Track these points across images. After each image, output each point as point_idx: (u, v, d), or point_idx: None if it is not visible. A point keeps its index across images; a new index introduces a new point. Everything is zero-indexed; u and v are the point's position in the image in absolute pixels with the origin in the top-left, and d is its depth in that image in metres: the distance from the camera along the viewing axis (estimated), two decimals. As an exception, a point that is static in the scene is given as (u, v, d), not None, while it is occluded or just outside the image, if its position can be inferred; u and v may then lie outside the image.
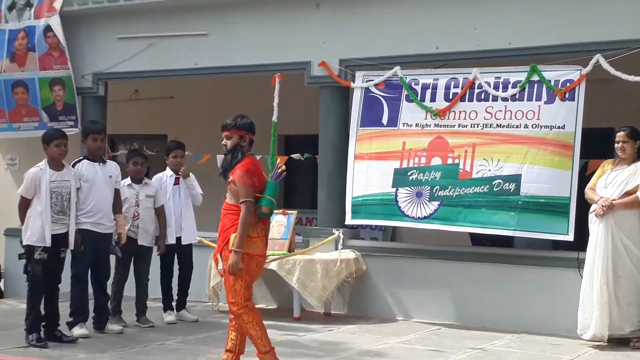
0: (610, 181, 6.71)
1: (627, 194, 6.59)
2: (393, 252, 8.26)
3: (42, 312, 6.74)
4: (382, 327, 7.58)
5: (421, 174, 7.71)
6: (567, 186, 7.08)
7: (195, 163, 9.38)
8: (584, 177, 7.29)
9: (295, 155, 9.10)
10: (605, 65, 7.02)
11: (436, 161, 7.69)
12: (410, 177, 7.77)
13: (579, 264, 7.00)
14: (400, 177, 7.83)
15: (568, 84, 7.20)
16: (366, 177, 8.04)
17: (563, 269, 7.27)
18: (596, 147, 9.12)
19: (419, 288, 8.00)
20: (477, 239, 8.86)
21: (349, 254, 8.15)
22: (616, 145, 6.80)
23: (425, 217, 7.65)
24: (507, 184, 7.28)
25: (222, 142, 5.58)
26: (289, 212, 8.49)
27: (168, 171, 7.91)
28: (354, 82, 8.32)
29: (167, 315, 7.79)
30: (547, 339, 6.96)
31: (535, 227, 7.19)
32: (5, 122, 10.10)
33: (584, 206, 7.06)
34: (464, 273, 7.83)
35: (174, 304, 7.90)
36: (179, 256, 7.90)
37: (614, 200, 6.59)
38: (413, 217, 7.70)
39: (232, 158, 5.52)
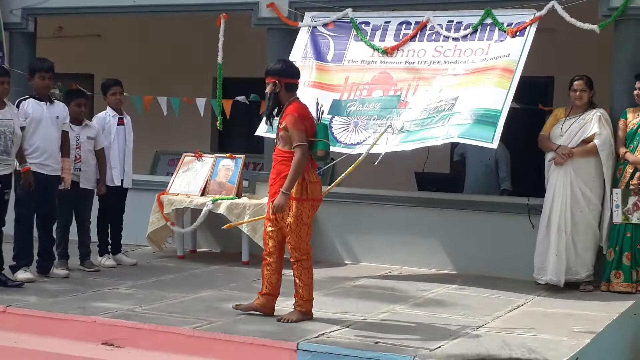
0: (566, 130, 6.86)
1: (584, 142, 6.76)
2: (340, 196, 8.21)
3: (-15, 255, 6.44)
4: (333, 271, 7.58)
5: (361, 105, 7.47)
6: (500, 102, 6.80)
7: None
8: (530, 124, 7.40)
9: (240, 98, 8.91)
10: (560, 11, 7.02)
11: (377, 94, 7.47)
12: (349, 108, 7.52)
13: (529, 210, 7.17)
14: (338, 108, 7.57)
15: (520, 25, 7.14)
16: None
17: (512, 214, 7.43)
18: (536, 94, 9.34)
19: (367, 233, 8.04)
20: (423, 184, 8.96)
21: (297, 199, 8.08)
22: (573, 93, 6.93)
23: (358, 143, 7.30)
24: (445, 104, 7.04)
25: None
26: (237, 156, 8.35)
27: (110, 111, 7.62)
28: (301, 22, 8.14)
29: (105, 259, 7.57)
30: (497, 283, 7.10)
31: (461, 134, 6.81)
32: None
33: (530, 156, 7.19)
34: (411, 218, 7.89)
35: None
36: (116, 199, 7.66)
37: (573, 148, 6.74)
38: (345, 143, 7.36)
39: (269, 104, 5.64)
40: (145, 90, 9.68)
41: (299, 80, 5.82)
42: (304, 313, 5.61)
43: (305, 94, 7.67)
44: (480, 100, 6.87)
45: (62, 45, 11.52)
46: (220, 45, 8.43)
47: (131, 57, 11.46)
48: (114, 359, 5.24)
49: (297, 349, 5.00)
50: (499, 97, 6.83)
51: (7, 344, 5.48)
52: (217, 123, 8.70)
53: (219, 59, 8.44)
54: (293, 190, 5.46)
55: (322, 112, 5.87)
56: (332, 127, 7.46)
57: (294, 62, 7.80)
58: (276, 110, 5.67)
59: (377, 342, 5.06)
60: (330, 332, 5.32)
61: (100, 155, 7.34)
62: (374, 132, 7.28)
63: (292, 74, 5.70)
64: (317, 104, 5.91)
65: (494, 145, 6.73)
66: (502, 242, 7.47)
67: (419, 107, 7.19)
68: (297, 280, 5.63)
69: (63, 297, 6.20)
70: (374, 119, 7.36)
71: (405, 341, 5.10)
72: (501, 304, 6.34)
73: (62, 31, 11.70)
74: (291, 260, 5.66)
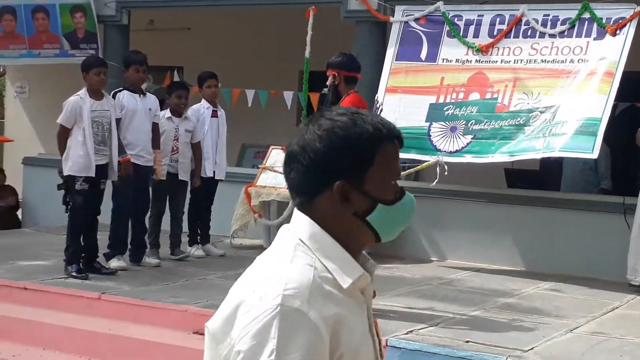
0: (664, 127, 6.64)
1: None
2: (428, 192, 8.11)
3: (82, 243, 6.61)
4: (419, 268, 7.53)
5: (457, 109, 7.43)
6: (600, 108, 6.68)
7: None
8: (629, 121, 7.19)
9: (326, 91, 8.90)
10: (662, 4, 6.84)
11: (474, 96, 7.41)
12: (446, 113, 7.48)
13: (625, 209, 6.95)
14: (435, 112, 7.53)
15: (620, 21, 6.95)
16: (397, 110, 7.65)
17: (607, 213, 7.22)
18: (633, 90, 9.02)
19: (454, 229, 7.93)
20: (512, 181, 8.79)
21: (384, 193, 8.03)
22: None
23: (456, 151, 7.33)
24: (545, 114, 6.96)
25: None
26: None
27: (204, 103, 7.72)
28: (392, 17, 8.09)
29: (195, 250, 7.67)
30: (591, 284, 6.92)
31: (560, 147, 6.74)
32: (25, 48, 9.80)
33: (629, 153, 6.99)
34: (501, 215, 7.76)
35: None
36: (207, 191, 7.74)
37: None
38: (445, 151, 7.38)
39: (328, 97, 5.75)
40: (232, 83, 9.77)
41: (359, 73, 5.81)
42: None
43: (401, 99, 7.70)
44: (581, 109, 6.76)
45: (153, 38, 11.73)
46: (308, 38, 8.39)
47: (220, 50, 11.57)
48: (205, 349, 5.30)
49: (387, 345, 4.96)
50: (599, 103, 6.70)
51: (102, 330, 5.62)
52: (302, 117, 8.72)
53: (307, 53, 8.41)
54: None
55: (381, 111, 5.86)
56: (430, 135, 7.47)
57: (390, 64, 7.87)
58: (337, 103, 5.70)
59: (467, 341, 4.98)
60: (419, 329, 5.27)
61: (197, 149, 7.43)
62: (472, 138, 7.26)
63: (351, 67, 5.73)
64: (376, 101, 5.93)
65: (594, 155, 6.64)
66: (596, 242, 7.26)
67: (515, 112, 7.12)
68: None
69: (155, 285, 6.31)
70: (471, 124, 7.31)
71: (497, 341, 5.00)
72: (595, 305, 6.17)
73: (153, 24, 11.90)
74: None
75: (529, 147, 6.94)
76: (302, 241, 1.70)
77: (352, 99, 5.59)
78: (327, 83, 5.75)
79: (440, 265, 7.75)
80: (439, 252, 8.01)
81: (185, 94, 7.35)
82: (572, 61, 7.05)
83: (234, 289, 1.73)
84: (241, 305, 1.65)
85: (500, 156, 7.16)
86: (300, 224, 1.72)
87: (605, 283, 6.90)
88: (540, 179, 8.74)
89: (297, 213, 1.75)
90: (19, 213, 10.34)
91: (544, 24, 7.26)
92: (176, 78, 10.27)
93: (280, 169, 8.16)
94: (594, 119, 6.63)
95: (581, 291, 6.69)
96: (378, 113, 5.84)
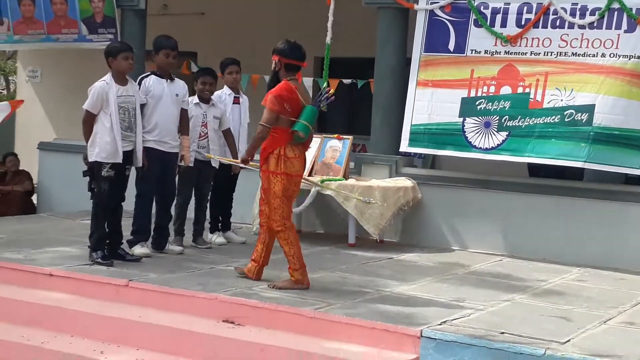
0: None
1: None
2: (449, 181, 8.13)
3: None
4: (441, 257, 7.50)
5: (490, 104, 7.48)
6: None
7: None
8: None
9: (347, 81, 8.85)
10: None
11: (506, 90, 7.45)
12: (479, 107, 7.53)
13: (651, 200, 6.94)
14: (468, 107, 7.59)
15: None
16: (430, 105, 7.81)
17: (632, 203, 7.20)
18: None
19: (476, 218, 7.90)
20: (534, 171, 8.76)
21: (406, 182, 8.01)
22: None
23: (492, 148, 7.46)
24: (580, 114, 7.06)
25: None
26: (344, 137, 8.30)
27: (226, 89, 7.66)
28: (417, 4, 8.03)
29: (216, 237, 7.62)
30: (616, 275, 6.92)
31: (606, 160, 6.98)
32: (44, 33, 9.73)
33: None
34: (523, 205, 7.73)
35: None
36: (230, 178, 7.69)
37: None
38: (480, 147, 7.50)
39: (269, 83, 5.86)
40: (246, 69, 9.70)
41: (302, 62, 5.85)
42: (294, 282, 5.87)
43: (433, 94, 7.74)
44: (621, 119, 6.90)
45: (167, 23, 11.65)
46: (329, 24, 8.36)
47: (234, 35, 11.52)
48: (236, 337, 5.27)
49: (421, 336, 4.94)
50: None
51: (131, 317, 5.58)
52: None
53: (328, 39, 8.37)
54: (271, 163, 5.72)
55: (327, 99, 5.96)
56: (465, 131, 7.53)
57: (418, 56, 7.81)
58: None
59: (502, 332, 4.96)
60: (452, 319, 5.23)
61: (229, 135, 7.36)
62: (508, 135, 7.38)
63: (292, 55, 5.79)
64: (325, 88, 6.20)
65: None
66: (622, 232, 7.25)
67: (549, 109, 7.19)
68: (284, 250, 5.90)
69: (180, 273, 6.28)
70: (505, 120, 7.37)
71: (532, 332, 4.97)
72: (624, 296, 6.15)
73: (167, 9, 11.85)
74: (260, 230, 5.99)
75: (569, 152, 7.07)
76: None
77: (280, 86, 5.71)
78: (272, 68, 5.82)
79: (463, 254, 7.72)
80: (460, 241, 7.99)
81: (209, 80, 7.25)
82: (603, 55, 7.06)
83: None
84: None
85: (538, 158, 7.29)
86: None
87: (630, 273, 6.89)
88: (562, 167, 8.70)
89: None
90: (34, 198, 10.30)
91: (573, 14, 7.22)
92: (193, 66, 10.23)
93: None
94: (637, 131, 6.84)
95: (607, 282, 6.67)
96: (323, 99, 5.92)
